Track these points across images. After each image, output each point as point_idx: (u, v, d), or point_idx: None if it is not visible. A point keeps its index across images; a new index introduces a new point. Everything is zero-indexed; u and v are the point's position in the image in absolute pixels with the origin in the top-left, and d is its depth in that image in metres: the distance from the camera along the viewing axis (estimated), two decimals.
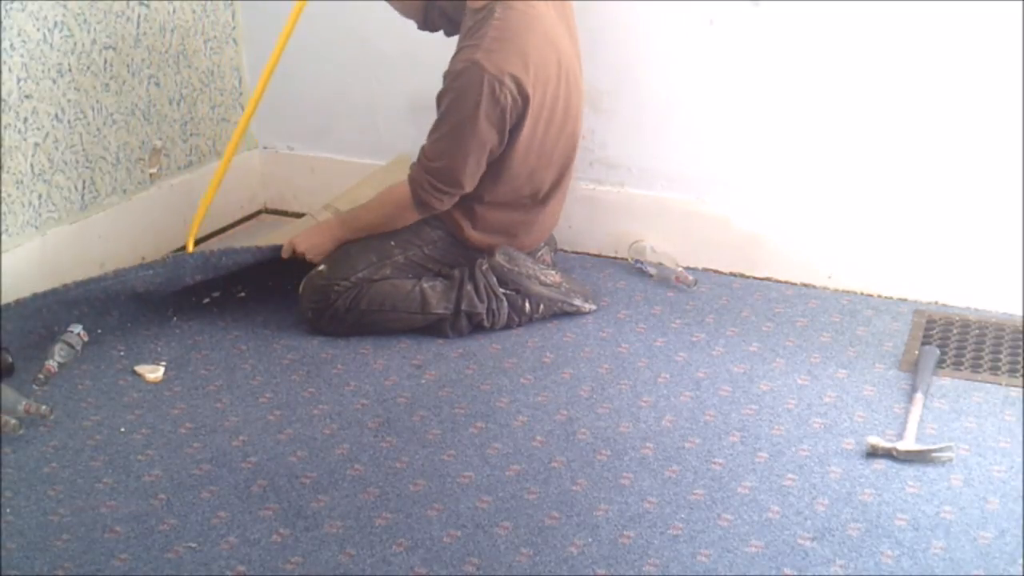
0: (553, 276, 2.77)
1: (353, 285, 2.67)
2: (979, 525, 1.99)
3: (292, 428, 2.34)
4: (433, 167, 2.62)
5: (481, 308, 2.68)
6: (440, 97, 2.62)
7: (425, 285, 2.69)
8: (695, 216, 3.01)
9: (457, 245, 2.75)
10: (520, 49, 2.56)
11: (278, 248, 2.78)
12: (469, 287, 2.69)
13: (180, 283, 2.74)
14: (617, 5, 2.91)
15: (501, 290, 2.70)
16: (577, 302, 2.77)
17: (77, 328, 2.59)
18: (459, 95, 2.55)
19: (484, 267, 2.71)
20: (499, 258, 2.72)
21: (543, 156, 2.71)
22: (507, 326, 2.72)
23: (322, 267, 2.70)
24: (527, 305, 2.72)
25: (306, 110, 3.40)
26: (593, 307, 2.79)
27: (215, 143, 3.37)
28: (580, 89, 2.79)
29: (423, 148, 2.65)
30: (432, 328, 2.70)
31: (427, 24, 2.84)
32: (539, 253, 2.88)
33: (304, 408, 2.41)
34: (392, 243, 2.72)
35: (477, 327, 2.71)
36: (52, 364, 2.48)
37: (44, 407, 2.32)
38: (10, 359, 2.49)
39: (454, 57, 2.61)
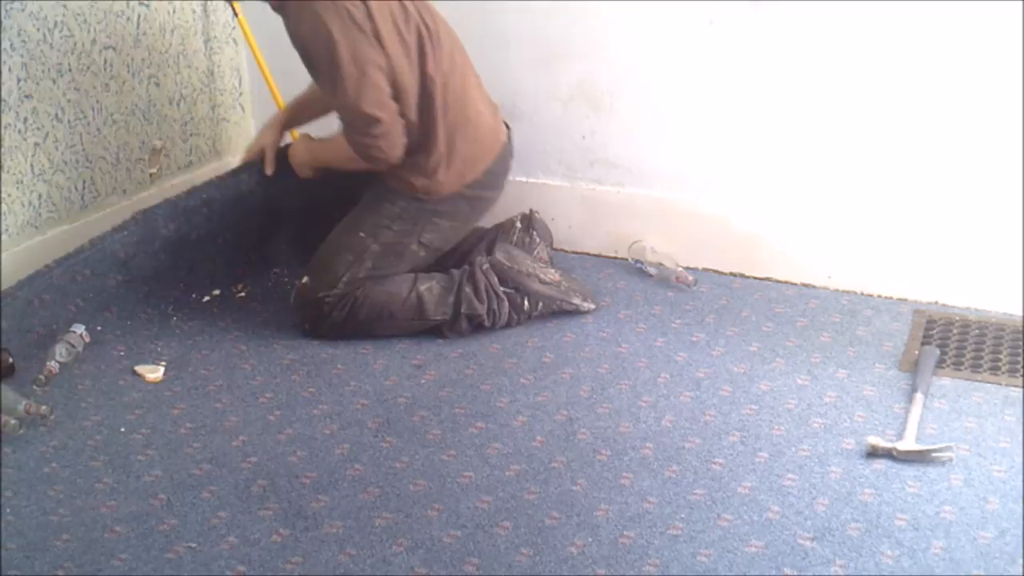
0: (552, 274, 2.76)
1: (344, 294, 2.65)
2: (979, 525, 1.99)
3: (292, 428, 2.34)
4: (346, 120, 2.60)
5: (481, 309, 2.68)
6: (305, 57, 2.59)
7: (422, 288, 2.67)
8: (695, 216, 3.01)
9: (423, 210, 2.70)
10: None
11: (240, 171, 2.84)
12: (468, 289, 2.68)
13: (157, 237, 2.74)
14: (617, 5, 2.91)
15: (501, 289, 2.70)
16: (576, 301, 2.77)
17: (79, 328, 2.59)
18: (307, 33, 2.52)
19: (484, 266, 2.70)
20: (499, 256, 2.71)
21: (439, 74, 2.65)
22: (507, 325, 2.72)
23: (305, 280, 2.69)
24: (526, 303, 2.72)
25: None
26: (592, 306, 2.79)
27: (215, 143, 3.37)
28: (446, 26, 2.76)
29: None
30: (431, 329, 2.70)
31: None
32: (536, 251, 2.88)
33: (304, 408, 2.42)
34: (362, 234, 2.69)
35: (477, 327, 2.70)
36: (54, 365, 2.48)
37: (44, 407, 2.32)
38: (10, 359, 2.49)
39: (287, 21, 2.59)
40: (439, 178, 2.68)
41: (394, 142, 2.60)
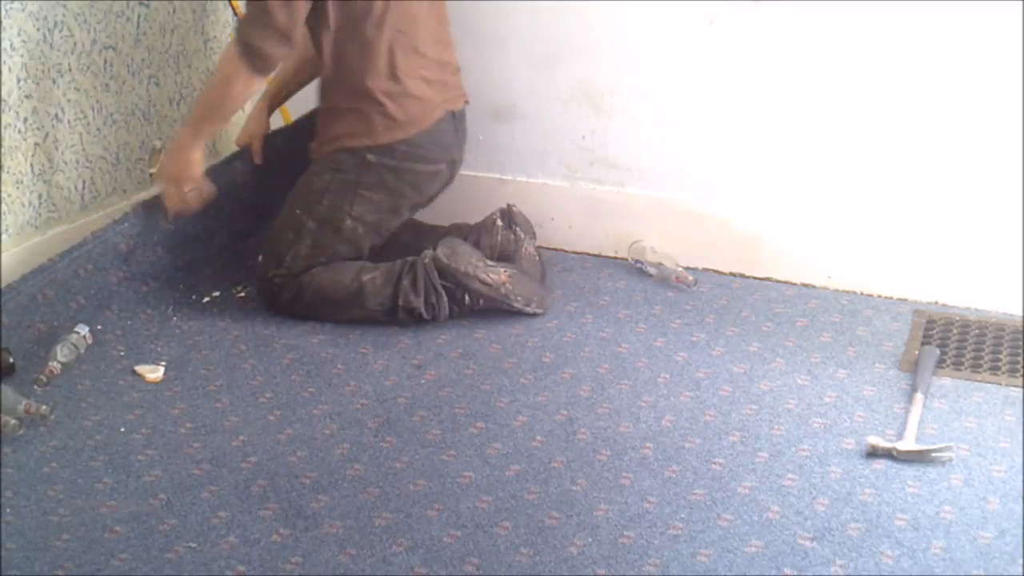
0: (497, 275, 2.72)
1: (290, 276, 2.72)
2: (979, 525, 1.99)
3: (292, 428, 2.34)
4: (253, 5, 2.57)
5: (418, 303, 2.68)
6: None
7: (365, 278, 2.70)
8: (695, 216, 3.01)
9: (347, 181, 2.70)
10: None
11: (233, 159, 2.89)
12: (406, 281, 2.69)
13: (157, 229, 2.76)
14: (617, 5, 2.91)
15: (440, 283, 2.69)
16: (517, 305, 2.74)
17: (83, 330, 2.58)
18: None
19: (426, 260, 2.70)
20: (440, 252, 2.70)
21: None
22: (450, 316, 2.73)
23: (260, 258, 2.80)
24: (467, 298, 2.71)
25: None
26: (539, 310, 2.77)
27: (215, 143, 3.37)
28: None
29: None
30: (402, 322, 2.72)
31: None
32: (523, 247, 2.87)
33: (304, 408, 2.41)
34: (298, 211, 2.73)
35: (419, 319, 2.71)
36: (55, 365, 2.48)
37: (44, 407, 2.32)
38: (11, 359, 2.49)
39: None
40: (399, 120, 2.68)
41: (281, 45, 2.57)
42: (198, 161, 2.72)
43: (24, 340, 2.55)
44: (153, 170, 3.12)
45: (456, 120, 2.82)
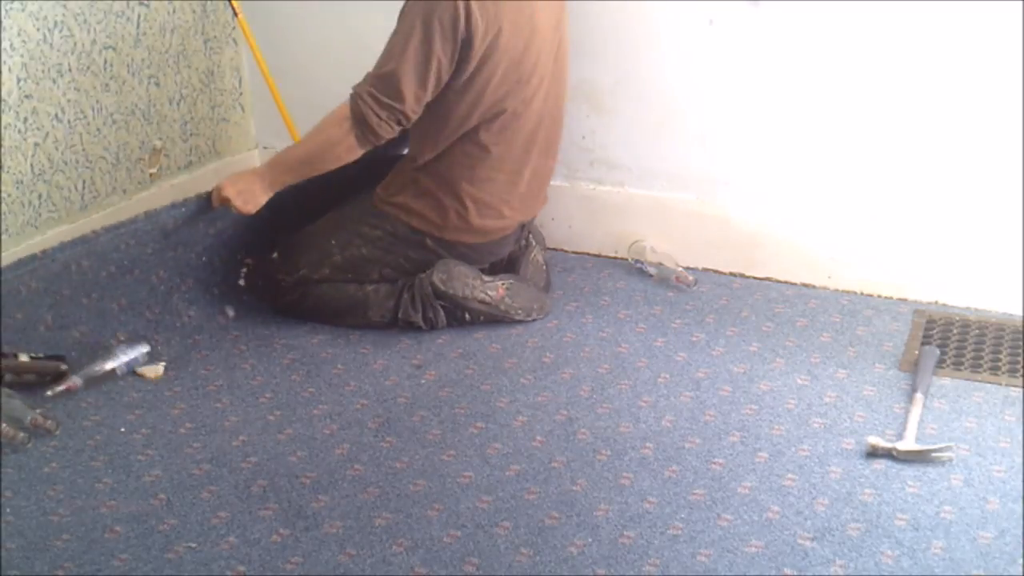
0: (495, 291, 2.73)
1: (297, 283, 2.72)
2: (979, 525, 1.99)
3: (292, 428, 2.34)
4: (377, 74, 2.52)
5: (416, 317, 2.70)
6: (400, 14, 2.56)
7: (369, 290, 2.71)
8: (695, 216, 3.01)
9: (396, 247, 2.70)
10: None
11: (206, 197, 2.73)
12: (407, 296, 2.70)
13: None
14: (617, 5, 2.91)
15: (439, 303, 2.70)
16: (518, 317, 2.76)
17: (138, 351, 2.53)
18: (413, 4, 2.50)
19: (424, 284, 2.69)
20: (436, 277, 2.69)
21: (516, 114, 2.62)
22: (448, 326, 2.73)
23: (275, 255, 2.77)
24: (466, 316, 2.73)
25: (306, 110, 3.40)
26: (539, 316, 2.78)
27: (215, 143, 3.37)
28: (562, 70, 2.75)
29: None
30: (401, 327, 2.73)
31: None
32: (531, 254, 2.87)
33: (304, 408, 2.41)
34: (333, 242, 2.71)
35: (417, 329, 2.72)
36: (77, 381, 2.44)
37: (51, 421, 2.30)
38: (64, 367, 2.47)
39: None
40: (468, 217, 2.67)
41: (390, 124, 2.53)
42: (261, 203, 2.66)
43: (25, 337, 2.52)
44: (153, 170, 3.13)
45: (522, 227, 2.84)
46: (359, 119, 2.53)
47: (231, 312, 2.80)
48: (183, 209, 2.71)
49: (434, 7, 2.46)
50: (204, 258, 2.81)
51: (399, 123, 2.54)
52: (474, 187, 2.66)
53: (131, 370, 2.53)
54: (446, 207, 2.67)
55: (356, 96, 2.53)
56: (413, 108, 2.53)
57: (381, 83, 2.51)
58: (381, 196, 2.73)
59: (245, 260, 2.84)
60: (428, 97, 2.54)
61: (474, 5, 2.46)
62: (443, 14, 2.45)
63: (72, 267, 2.56)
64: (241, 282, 2.85)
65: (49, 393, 2.40)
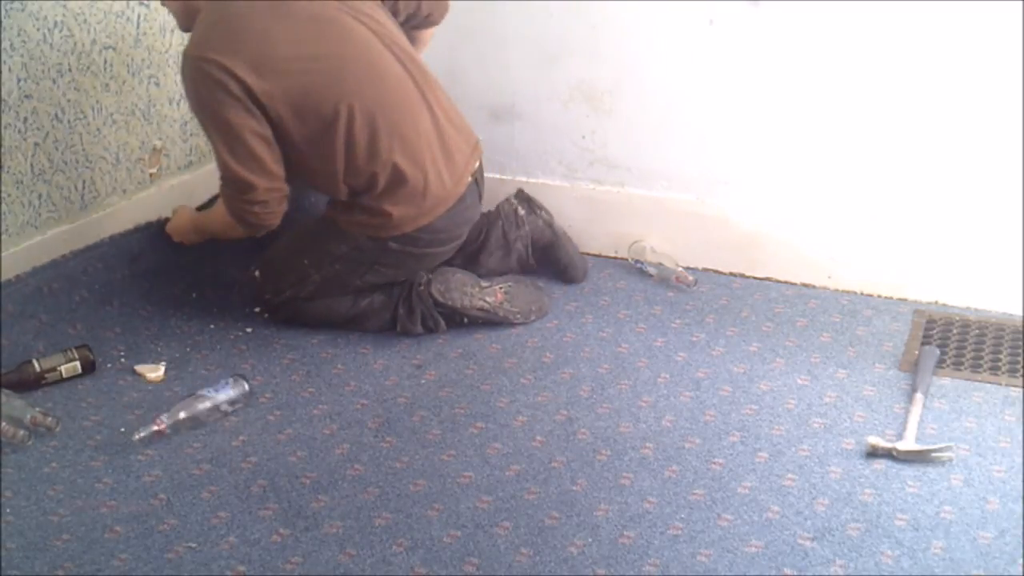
0: (493, 296, 2.73)
1: (285, 302, 2.73)
2: (979, 525, 1.99)
3: (292, 428, 2.34)
4: (223, 181, 2.53)
5: (415, 328, 2.70)
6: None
7: (363, 304, 2.70)
8: (695, 216, 3.01)
9: (364, 259, 2.65)
10: (227, 32, 2.47)
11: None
12: (402, 311, 2.69)
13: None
14: (617, 5, 2.91)
15: (437, 311, 2.70)
16: (517, 320, 2.76)
17: (237, 391, 2.40)
18: (189, 94, 2.52)
19: (422, 293, 2.69)
20: (435, 288, 2.68)
21: (367, 115, 2.52)
22: (448, 328, 2.73)
23: (257, 273, 2.76)
24: (464, 320, 2.73)
25: None
26: (534, 318, 2.78)
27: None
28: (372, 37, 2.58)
29: None
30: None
31: (187, 25, 2.61)
32: (539, 220, 2.90)
33: (304, 408, 2.41)
34: (306, 262, 2.68)
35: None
36: (165, 422, 2.30)
37: (51, 419, 2.30)
38: (91, 356, 2.52)
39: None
40: (390, 212, 2.57)
41: (272, 208, 2.54)
42: (198, 241, 2.86)
43: (25, 331, 2.56)
44: (153, 170, 3.12)
45: (478, 183, 2.77)
46: (243, 222, 2.58)
47: (248, 329, 2.79)
48: (147, 232, 2.80)
49: (200, 93, 2.45)
50: (194, 294, 2.87)
51: (278, 202, 2.54)
52: (387, 194, 2.57)
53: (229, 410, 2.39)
54: (374, 209, 2.59)
55: (227, 205, 2.57)
56: (273, 182, 2.50)
57: (231, 187, 2.53)
58: (331, 213, 2.68)
59: (236, 277, 2.86)
60: (274, 157, 2.49)
61: (214, 59, 2.41)
62: (209, 91, 2.43)
63: (44, 290, 2.61)
64: (235, 299, 2.87)
65: (136, 438, 2.26)
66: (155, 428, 2.27)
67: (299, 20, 2.51)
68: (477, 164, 2.75)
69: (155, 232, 2.89)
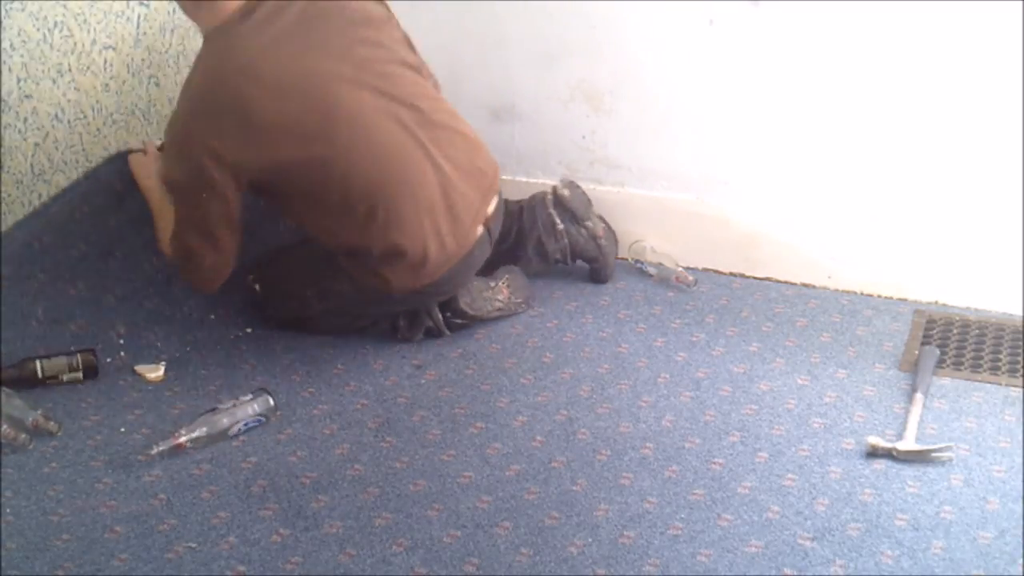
0: (502, 294, 2.74)
1: (291, 320, 2.71)
2: (979, 525, 1.99)
3: (292, 428, 2.34)
4: (173, 237, 2.47)
5: (417, 336, 2.68)
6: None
7: (367, 324, 2.69)
8: (695, 216, 3.01)
9: (369, 300, 2.60)
10: (212, 108, 2.37)
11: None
12: (403, 323, 2.66)
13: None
14: (617, 5, 2.91)
15: (458, 321, 2.68)
16: (522, 310, 2.79)
17: (259, 407, 2.33)
18: (171, 157, 2.47)
19: (446, 315, 2.66)
20: (463, 303, 2.65)
21: (363, 162, 2.42)
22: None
23: (257, 287, 2.72)
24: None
25: None
26: (531, 304, 2.82)
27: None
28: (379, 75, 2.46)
29: None
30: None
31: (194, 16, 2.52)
32: (597, 226, 2.89)
33: (304, 408, 2.42)
34: (309, 293, 2.66)
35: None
36: (185, 438, 2.25)
37: (52, 423, 2.30)
38: (94, 359, 2.49)
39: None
40: (388, 278, 2.51)
41: (208, 276, 2.49)
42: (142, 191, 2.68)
43: (27, 291, 2.53)
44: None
45: (491, 232, 2.65)
46: (181, 272, 2.55)
47: (248, 329, 2.78)
48: (119, 163, 2.72)
49: (184, 168, 2.39)
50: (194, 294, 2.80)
51: (221, 277, 2.51)
52: (367, 259, 2.50)
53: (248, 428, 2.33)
54: (372, 271, 2.51)
55: (170, 255, 2.53)
56: (221, 256, 2.45)
57: (179, 253, 2.47)
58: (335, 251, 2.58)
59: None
60: (234, 239, 2.45)
61: (203, 143, 2.33)
62: (194, 176, 2.36)
63: (35, 245, 2.53)
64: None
65: (154, 452, 2.21)
66: (174, 443, 2.22)
67: (290, 96, 2.35)
68: (491, 209, 2.62)
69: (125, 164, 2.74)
